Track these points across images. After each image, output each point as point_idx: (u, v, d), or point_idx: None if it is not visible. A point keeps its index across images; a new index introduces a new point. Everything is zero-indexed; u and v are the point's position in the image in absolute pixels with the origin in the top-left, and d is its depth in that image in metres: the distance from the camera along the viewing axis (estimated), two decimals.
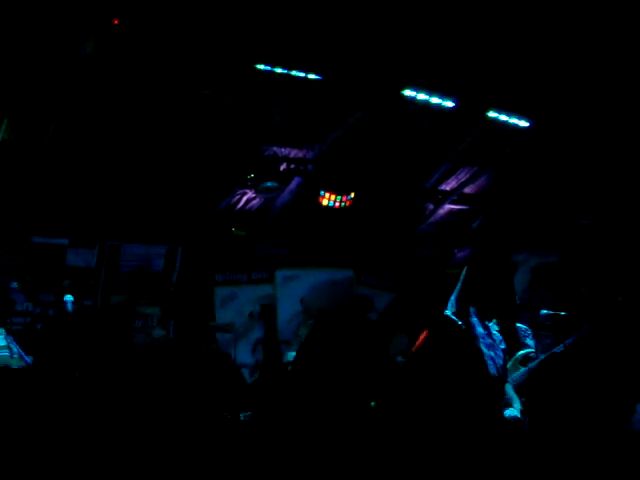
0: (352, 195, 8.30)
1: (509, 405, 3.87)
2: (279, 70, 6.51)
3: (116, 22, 5.62)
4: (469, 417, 3.42)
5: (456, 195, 9.19)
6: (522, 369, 4.70)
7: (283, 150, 7.98)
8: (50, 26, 5.60)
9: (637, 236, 8.31)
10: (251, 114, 7.17)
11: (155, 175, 7.53)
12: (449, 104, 7.31)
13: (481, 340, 4.06)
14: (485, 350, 4.04)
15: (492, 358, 4.10)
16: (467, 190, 9.18)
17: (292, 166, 8.17)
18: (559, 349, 4.87)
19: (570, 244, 9.08)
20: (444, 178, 8.96)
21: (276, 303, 9.02)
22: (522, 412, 3.80)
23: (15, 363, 5.45)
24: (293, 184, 8.29)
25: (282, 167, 8.11)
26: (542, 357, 4.76)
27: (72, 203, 7.50)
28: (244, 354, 8.56)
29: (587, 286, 8.62)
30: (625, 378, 3.96)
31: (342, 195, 8.24)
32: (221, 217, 8.41)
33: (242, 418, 4.81)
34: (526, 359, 4.85)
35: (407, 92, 7.10)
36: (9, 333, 5.90)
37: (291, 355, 6.30)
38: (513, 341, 6.43)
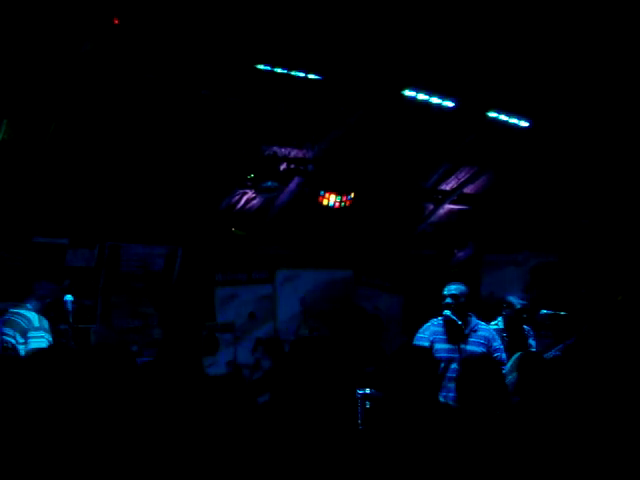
0: (352, 195, 8.30)
1: None
2: (279, 70, 6.51)
3: (116, 22, 5.62)
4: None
5: (456, 195, 9.20)
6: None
7: (283, 150, 7.99)
8: (50, 26, 5.60)
9: (637, 236, 8.32)
10: (251, 114, 7.17)
11: (155, 175, 7.53)
12: (449, 104, 7.32)
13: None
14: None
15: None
16: (467, 190, 9.19)
17: (292, 166, 8.17)
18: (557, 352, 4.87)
19: (570, 244, 9.08)
20: (444, 178, 8.97)
21: (276, 303, 9.02)
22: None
23: None
24: (293, 184, 8.29)
25: (282, 167, 8.11)
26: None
27: (72, 203, 7.50)
28: (244, 354, 8.56)
29: (587, 286, 8.63)
30: (625, 377, 3.97)
31: (342, 195, 8.24)
32: (221, 217, 8.41)
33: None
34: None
35: (407, 92, 7.11)
36: None
37: None
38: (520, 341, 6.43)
